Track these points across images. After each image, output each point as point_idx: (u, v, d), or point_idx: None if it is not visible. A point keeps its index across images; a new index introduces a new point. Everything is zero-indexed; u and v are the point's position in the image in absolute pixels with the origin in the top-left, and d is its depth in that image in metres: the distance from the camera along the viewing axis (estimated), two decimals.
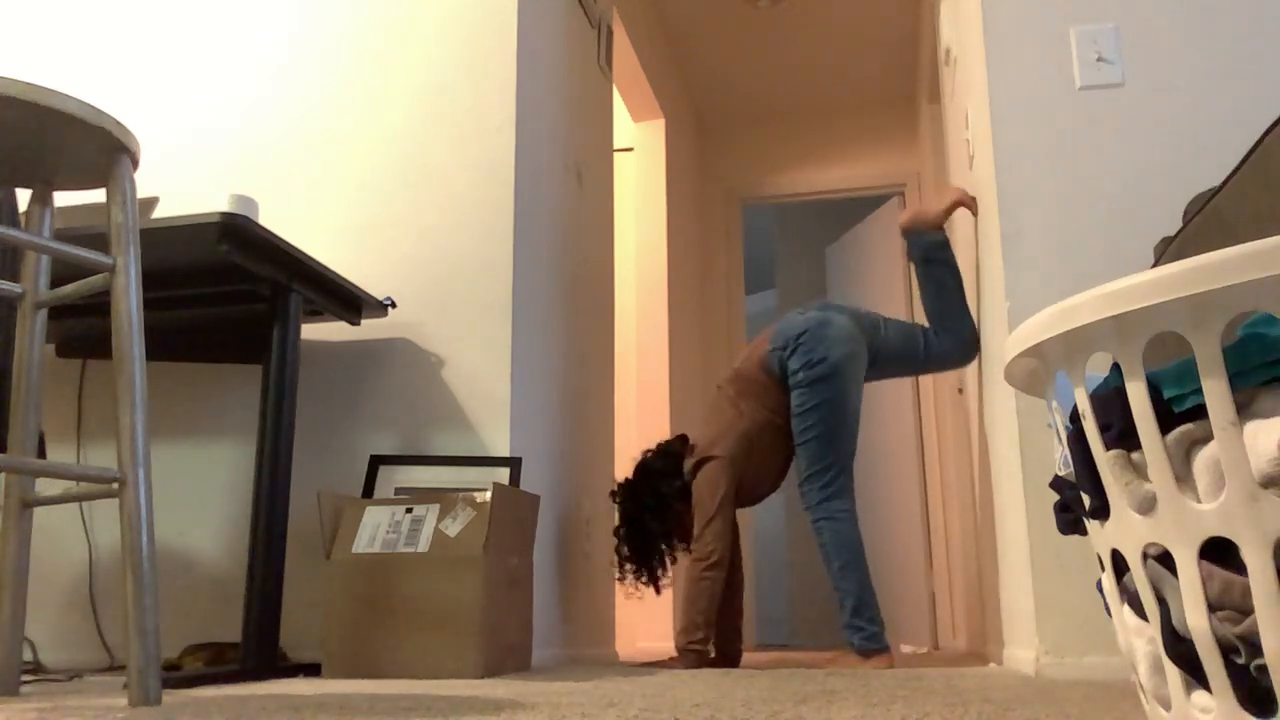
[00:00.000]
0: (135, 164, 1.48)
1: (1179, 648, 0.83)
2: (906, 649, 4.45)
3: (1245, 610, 0.78)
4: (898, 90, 5.11)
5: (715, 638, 2.75)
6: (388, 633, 1.93)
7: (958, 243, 3.20)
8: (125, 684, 1.33)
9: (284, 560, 2.05)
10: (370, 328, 2.53)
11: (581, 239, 3.16)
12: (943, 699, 1.36)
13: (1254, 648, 0.77)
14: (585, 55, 3.35)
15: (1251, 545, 0.76)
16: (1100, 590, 1.05)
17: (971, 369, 3.09)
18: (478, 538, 1.95)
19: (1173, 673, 0.85)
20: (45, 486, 2.43)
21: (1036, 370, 0.98)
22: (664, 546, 2.73)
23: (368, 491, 2.31)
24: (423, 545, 1.97)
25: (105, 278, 1.43)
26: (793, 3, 4.42)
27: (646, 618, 4.23)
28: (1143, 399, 0.82)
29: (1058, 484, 1.06)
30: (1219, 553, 0.80)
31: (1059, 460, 1.04)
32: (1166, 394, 0.84)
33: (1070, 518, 1.05)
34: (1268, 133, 1.24)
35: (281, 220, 2.64)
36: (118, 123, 1.41)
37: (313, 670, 2.07)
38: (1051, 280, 2.13)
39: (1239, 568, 0.78)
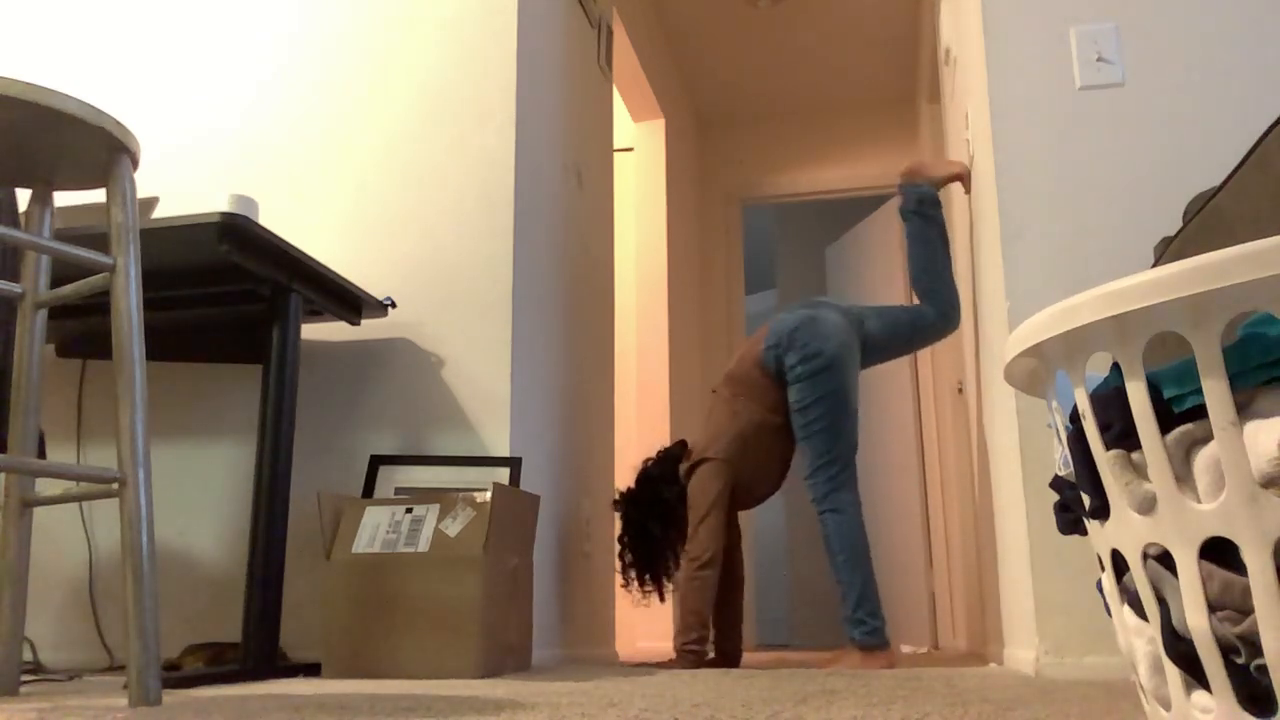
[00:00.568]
0: (135, 164, 1.48)
1: (1179, 648, 0.83)
2: (906, 649, 4.45)
3: (1245, 610, 0.78)
4: (898, 90, 5.11)
5: (715, 637, 2.75)
6: (387, 633, 1.93)
7: (958, 243, 3.20)
8: (125, 684, 1.33)
9: (284, 560, 2.05)
10: (370, 328, 2.53)
11: (581, 239, 3.16)
12: (943, 699, 1.36)
13: (1254, 648, 0.77)
14: (585, 55, 3.35)
15: (1251, 545, 0.76)
16: (1100, 590, 1.05)
17: (971, 369, 3.09)
18: (478, 538, 1.95)
19: (1173, 673, 0.85)
20: (45, 486, 2.43)
21: (1036, 370, 0.98)
22: (669, 552, 2.73)
23: (368, 491, 2.31)
24: (423, 545, 1.97)
25: (105, 278, 1.43)
26: (793, 3, 4.42)
27: (646, 618, 4.23)
28: (1143, 399, 0.82)
29: (1058, 484, 1.06)
30: (1219, 553, 0.80)
31: (1059, 460, 1.04)
32: (1166, 394, 0.84)
33: (1070, 518, 1.05)
34: (1268, 133, 1.24)
35: (281, 220, 2.64)
36: (118, 123, 1.41)
37: (313, 670, 2.07)
38: (1051, 280, 2.13)
39: (1239, 568, 0.78)
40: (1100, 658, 1.91)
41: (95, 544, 2.52)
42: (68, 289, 1.49)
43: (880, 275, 5.09)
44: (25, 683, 1.82)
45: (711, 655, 2.76)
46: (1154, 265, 1.79)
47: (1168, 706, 0.88)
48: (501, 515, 2.03)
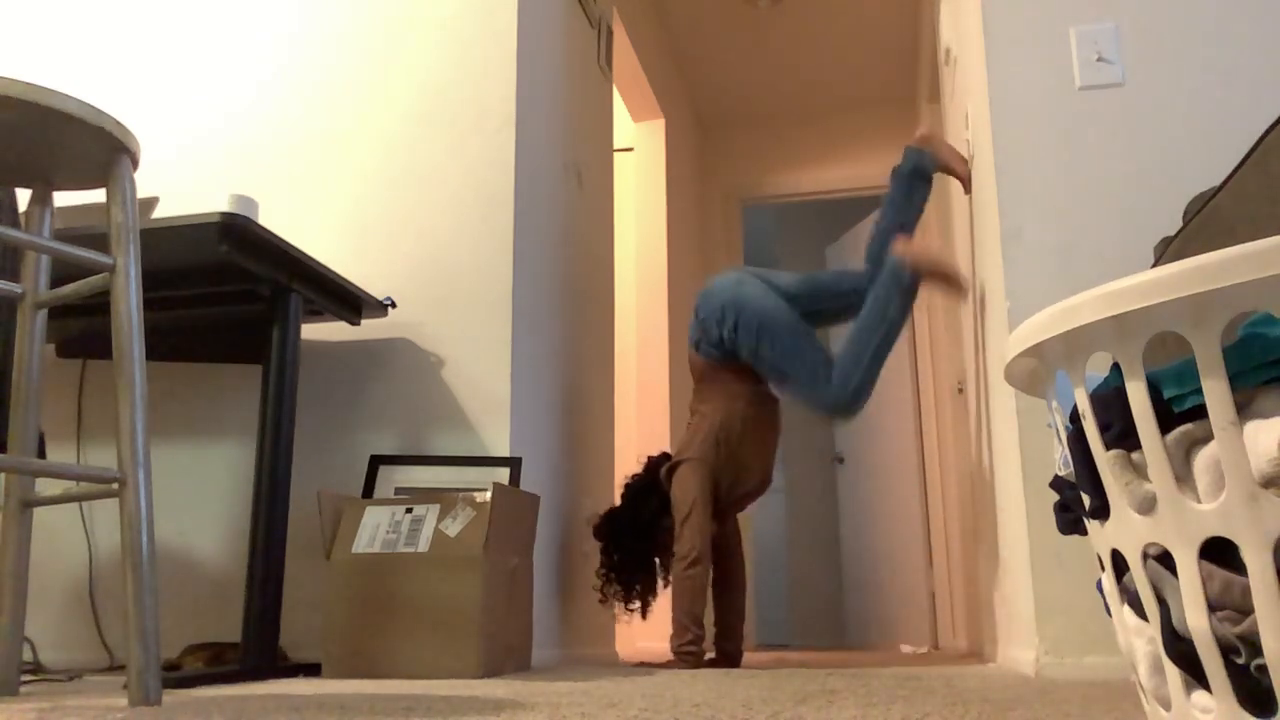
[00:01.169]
0: (135, 164, 1.48)
1: (1179, 648, 0.83)
2: (906, 649, 4.45)
3: (1245, 610, 0.78)
4: (898, 90, 5.11)
5: (716, 638, 2.74)
6: (388, 633, 1.93)
7: (958, 243, 3.20)
8: (125, 684, 1.33)
9: (284, 560, 2.05)
10: (370, 328, 2.53)
11: (581, 239, 3.16)
12: (943, 699, 1.36)
13: (1254, 648, 0.77)
14: (585, 55, 3.35)
15: (1251, 545, 0.76)
16: (1100, 590, 1.05)
17: (971, 369, 3.09)
18: (478, 538, 1.95)
19: (1173, 673, 0.85)
20: (45, 486, 2.43)
21: (1036, 370, 0.98)
22: (657, 561, 2.72)
23: (368, 491, 2.31)
24: (423, 545, 1.97)
25: (105, 278, 1.43)
26: (793, 3, 4.42)
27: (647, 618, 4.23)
28: (1143, 399, 0.82)
29: (1058, 484, 1.06)
30: (1219, 553, 0.80)
31: (1059, 460, 1.04)
32: (1166, 394, 0.84)
33: (1070, 518, 1.05)
34: (1268, 132, 1.24)
35: (281, 220, 2.64)
36: (118, 123, 1.41)
37: (313, 670, 2.07)
38: (1051, 280, 2.13)
39: (1239, 568, 0.78)
40: (1100, 658, 1.91)
41: (95, 544, 2.52)
42: (68, 289, 1.49)
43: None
44: (25, 683, 1.82)
45: (711, 655, 2.75)
46: (1154, 265, 1.79)
47: (1168, 706, 0.88)
48: (501, 515, 2.03)
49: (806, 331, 2.63)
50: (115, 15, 2.93)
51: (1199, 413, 0.82)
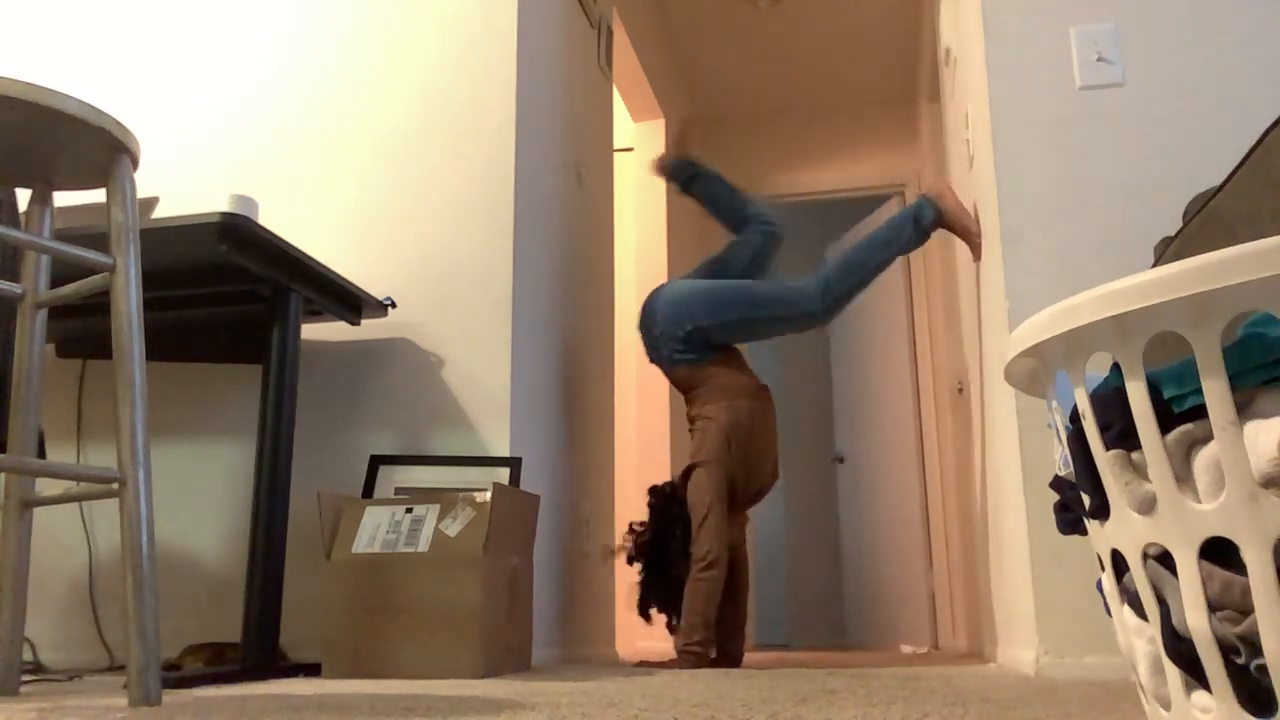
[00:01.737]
0: (135, 164, 1.48)
1: (1179, 648, 0.83)
2: (906, 649, 4.45)
3: (1245, 610, 0.78)
4: (898, 90, 5.11)
5: (718, 638, 2.74)
6: (387, 633, 1.93)
7: (957, 243, 3.20)
8: (125, 684, 1.33)
9: (284, 560, 2.05)
10: (370, 328, 2.53)
11: (581, 239, 3.16)
12: (943, 699, 1.36)
13: (1254, 648, 0.77)
14: (585, 55, 3.35)
15: (1251, 545, 0.76)
16: (1100, 590, 1.05)
17: (971, 369, 3.09)
18: (478, 538, 1.95)
19: (1173, 673, 0.85)
20: (45, 486, 2.43)
21: (1036, 370, 0.98)
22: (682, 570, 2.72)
23: (368, 491, 2.31)
24: (423, 545, 1.97)
25: (105, 278, 1.43)
26: (793, 3, 4.42)
27: None
28: (1143, 399, 0.82)
29: (1058, 484, 1.06)
30: (1219, 553, 0.80)
31: (1059, 460, 1.04)
32: (1166, 394, 0.84)
33: (1070, 518, 1.05)
34: (1268, 132, 1.24)
35: (281, 220, 2.64)
36: (118, 123, 1.41)
37: (313, 670, 2.07)
38: (1051, 280, 2.13)
39: (1239, 568, 0.78)
40: (1100, 658, 1.91)
41: (95, 544, 2.52)
42: (68, 289, 1.49)
43: (880, 275, 5.08)
44: (25, 683, 1.82)
45: (713, 656, 2.75)
46: (1154, 265, 1.79)
47: (1168, 706, 0.88)
48: (501, 515, 2.03)
49: (748, 278, 2.79)
50: (115, 15, 2.93)
51: (1199, 413, 0.83)
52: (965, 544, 4.12)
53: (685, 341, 2.72)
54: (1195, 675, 0.83)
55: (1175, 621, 0.83)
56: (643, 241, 4.51)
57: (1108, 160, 2.16)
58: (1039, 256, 2.14)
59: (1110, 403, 0.88)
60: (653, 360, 2.83)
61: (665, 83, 4.63)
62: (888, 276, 4.99)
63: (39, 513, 2.54)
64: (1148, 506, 0.85)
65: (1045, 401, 1.69)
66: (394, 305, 2.48)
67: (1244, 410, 0.80)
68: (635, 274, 4.48)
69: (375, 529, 2.02)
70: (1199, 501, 0.81)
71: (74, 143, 1.41)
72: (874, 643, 4.88)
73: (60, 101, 1.33)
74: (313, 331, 2.54)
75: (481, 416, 2.43)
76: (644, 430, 4.35)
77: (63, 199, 2.29)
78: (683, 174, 3.04)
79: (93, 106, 1.37)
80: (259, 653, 1.95)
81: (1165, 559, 0.85)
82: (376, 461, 2.34)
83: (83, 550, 2.52)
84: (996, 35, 2.27)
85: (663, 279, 4.43)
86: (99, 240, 1.93)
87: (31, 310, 1.57)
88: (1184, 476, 0.83)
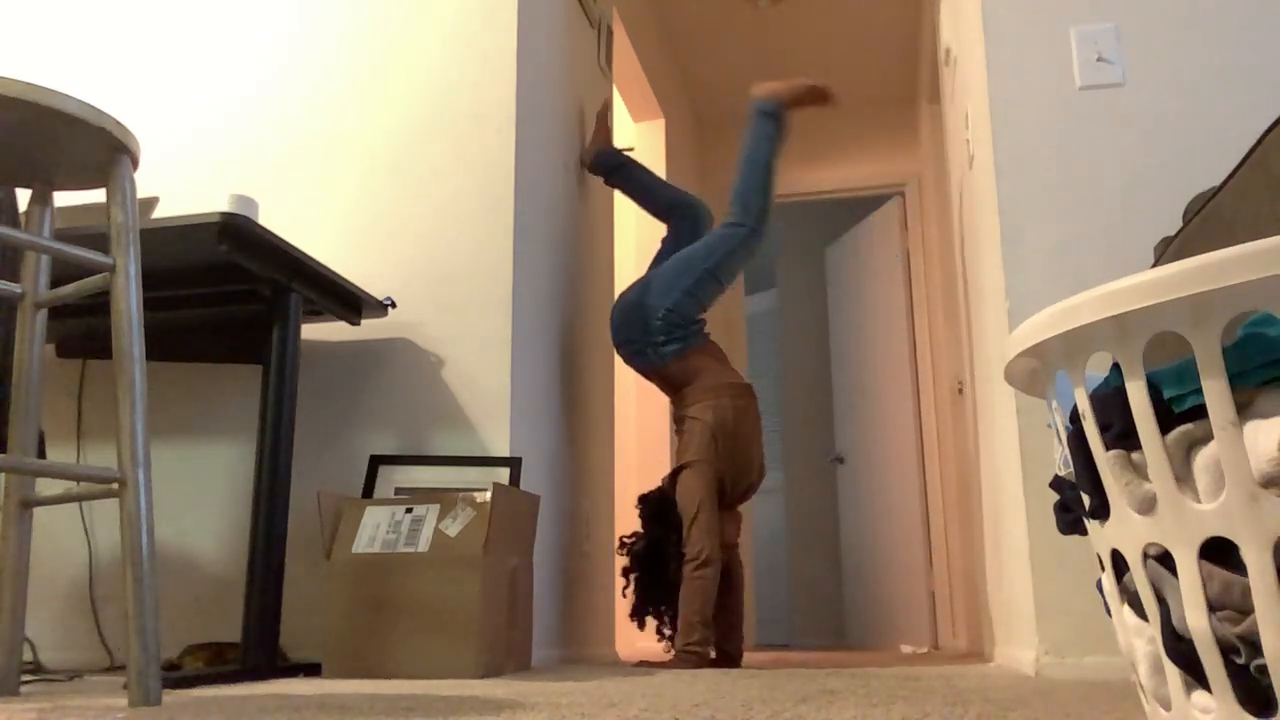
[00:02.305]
0: (135, 164, 1.48)
1: (1179, 648, 0.83)
2: (906, 649, 4.45)
3: (1245, 610, 0.78)
4: (898, 90, 5.11)
5: (716, 638, 2.74)
6: (387, 633, 1.93)
7: (955, 243, 3.20)
8: (125, 684, 1.33)
9: (284, 560, 2.05)
10: (370, 328, 2.53)
11: (581, 239, 3.16)
12: (943, 699, 1.36)
13: (1254, 648, 0.77)
14: (585, 55, 3.35)
15: (1251, 545, 0.76)
16: (1100, 590, 1.05)
17: (971, 369, 3.09)
18: (478, 538, 1.95)
19: (1173, 673, 0.85)
20: (45, 486, 2.43)
21: (1036, 370, 0.98)
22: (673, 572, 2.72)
23: (368, 491, 2.31)
24: (423, 545, 1.97)
25: (105, 278, 1.43)
26: (793, 3, 4.42)
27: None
28: (1143, 399, 0.82)
29: (1058, 484, 1.06)
30: (1219, 553, 0.80)
31: (1059, 460, 1.04)
32: (1166, 394, 0.84)
33: (1070, 518, 1.05)
34: (1268, 132, 1.24)
35: (281, 220, 2.64)
36: (118, 123, 1.41)
37: (313, 670, 2.07)
38: (1051, 280, 2.13)
39: (1239, 568, 0.78)
40: (1100, 658, 1.91)
41: (95, 544, 2.52)
42: (68, 289, 1.49)
43: (880, 275, 5.09)
44: (25, 683, 1.82)
45: (713, 656, 2.75)
46: (1154, 265, 1.79)
47: (1168, 706, 0.88)
48: (501, 515, 2.03)
49: (689, 245, 2.90)
50: (115, 15, 2.93)
51: (1199, 413, 0.82)
52: (965, 544, 4.12)
53: (665, 330, 2.75)
54: (1195, 675, 0.83)
55: (1175, 621, 0.83)
56: (643, 241, 4.51)
57: (1108, 160, 2.16)
58: (1039, 256, 2.14)
59: (1110, 403, 0.88)
60: (642, 369, 2.83)
61: (665, 83, 4.63)
62: (887, 276, 5.00)
63: (39, 513, 2.54)
64: (1148, 506, 0.85)
65: (1045, 401, 1.69)
66: (394, 305, 2.48)
67: (1244, 410, 0.80)
68: (635, 274, 4.48)
69: (375, 529, 2.02)
70: (1199, 501, 0.81)
71: (74, 143, 1.41)
72: (874, 643, 4.88)
73: (60, 101, 1.33)
74: (313, 331, 2.54)
75: (481, 416, 2.43)
76: (644, 430, 4.35)
77: (63, 199, 2.29)
78: (608, 164, 3.16)
79: (93, 106, 1.37)
80: (259, 653, 1.95)
81: (1165, 559, 0.85)
82: (376, 461, 2.34)
83: (83, 550, 2.52)
84: (996, 35, 2.27)
85: None
86: (99, 240, 1.93)
87: (31, 310, 1.57)
88: (1184, 476, 0.83)
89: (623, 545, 2.75)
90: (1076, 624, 1.94)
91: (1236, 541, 0.78)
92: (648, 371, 2.82)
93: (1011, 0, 2.28)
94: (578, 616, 2.86)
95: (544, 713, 1.14)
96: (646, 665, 2.53)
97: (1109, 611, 0.97)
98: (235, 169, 2.73)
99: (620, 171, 3.15)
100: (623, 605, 4.05)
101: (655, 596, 2.68)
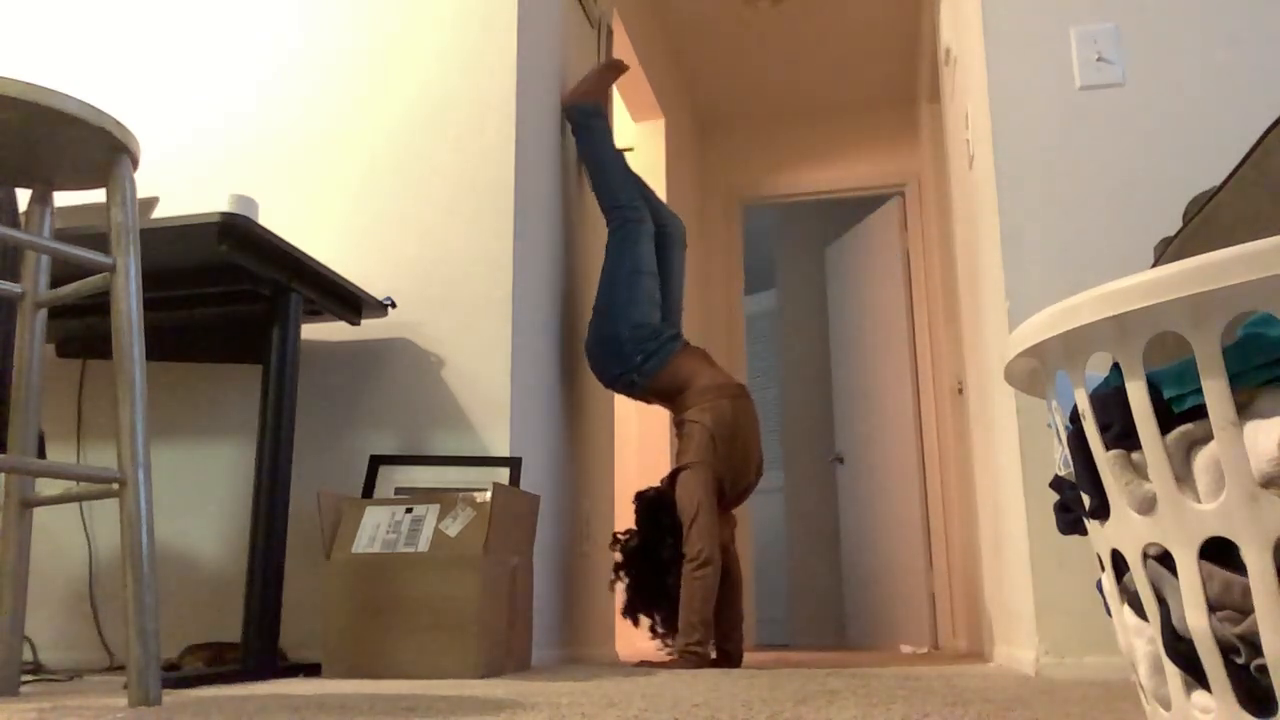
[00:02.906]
0: (135, 164, 1.48)
1: (1179, 648, 0.83)
2: (906, 649, 4.45)
3: (1245, 610, 0.78)
4: (898, 90, 5.11)
5: (715, 637, 2.74)
6: (387, 633, 1.93)
7: (955, 243, 3.20)
8: (125, 684, 1.33)
9: (284, 560, 2.05)
10: (370, 328, 2.53)
11: (582, 239, 3.16)
12: (943, 699, 1.36)
13: (1254, 648, 0.77)
14: (585, 55, 3.35)
15: (1251, 545, 0.76)
16: (1100, 590, 1.05)
17: (971, 369, 3.09)
18: (478, 538, 1.95)
19: (1173, 673, 0.85)
20: (45, 486, 2.43)
21: (1036, 370, 0.98)
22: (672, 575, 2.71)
23: (368, 491, 2.31)
24: (423, 545, 1.97)
25: (105, 278, 1.43)
26: (793, 3, 4.42)
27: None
28: (1143, 399, 0.82)
29: (1058, 484, 1.06)
30: (1219, 553, 0.80)
31: (1059, 460, 1.04)
32: (1166, 394, 0.84)
33: (1070, 518, 1.05)
34: (1268, 132, 1.24)
35: (281, 220, 2.64)
36: (118, 123, 1.41)
37: (313, 670, 2.07)
38: (1051, 280, 2.13)
39: (1239, 568, 0.78)
40: (1100, 658, 1.91)
41: (95, 544, 2.52)
42: (68, 289, 1.49)
43: (880, 275, 5.09)
44: (25, 683, 1.82)
45: (713, 656, 2.76)
46: (1154, 265, 1.79)
47: (1168, 706, 0.88)
48: (501, 515, 2.03)
49: (657, 276, 2.97)
50: (115, 15, 2.93)
51: (1199, 413, 0.82)
52: (965, 544, 4.12)
53: (638, 348, 2.77)
54: (1195, 675, 0.83)
55: (1175, 621, 0.83)
56: None
57: (1108, 160, 2.16)
58: (1039, 256, 2.14)
59: (1110, 403, 0.88)
60: (640, 395, 2.84)
61: (665, 83, 4.63)
62: (887, 276, 5.00)
63: (39, 513, 2.54)
64: (1148, 506, 0.85)
65: (1045, 401, 1.69)
66: (394, 305, 2.48)
67: (1244, 410, 0.80)
68: None
69: (375, 529, 2.02)
70: (1199, 501, 0.81)
71: (74, 143, 1.41)
72: (874, 643, 4.88)
73: (60, 101, 1.33)
74: (313, 331, 2.54)
75: (481, 416, 2.43)
76: (644, 430, 4.34)
77: (63, 199, 2.29)
78: (584, 116, 3.08)
79: (93, 106, 1.37)
80: (259, 653, 1.95)
81: (1165, 559, 0.85)
82: (376, 461, 2.34)
83: (83, 550, 2.52)
84: (996, 35, 2.27)
85: None
86: (99, 240, 1.93)
87: (31, 310, 1.57)
88: (1184, 476, 0.83)
89: (615, 541, 2.75)
90: (1076, 624, 1.94)
91: (1236, 541, 0.78)
92: (644, 395, 2.84)
93: (1011, 0, 2.28)
94: (578, 616, 2.86)
95: (544, 713, 1.14)
96: (647, 665, 2.53)
97: (1109, 611, 0.97)
98: (235, 169, 2.73)
99: (585, 133, 3.07)
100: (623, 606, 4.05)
101: (646, 594, 2.68)
